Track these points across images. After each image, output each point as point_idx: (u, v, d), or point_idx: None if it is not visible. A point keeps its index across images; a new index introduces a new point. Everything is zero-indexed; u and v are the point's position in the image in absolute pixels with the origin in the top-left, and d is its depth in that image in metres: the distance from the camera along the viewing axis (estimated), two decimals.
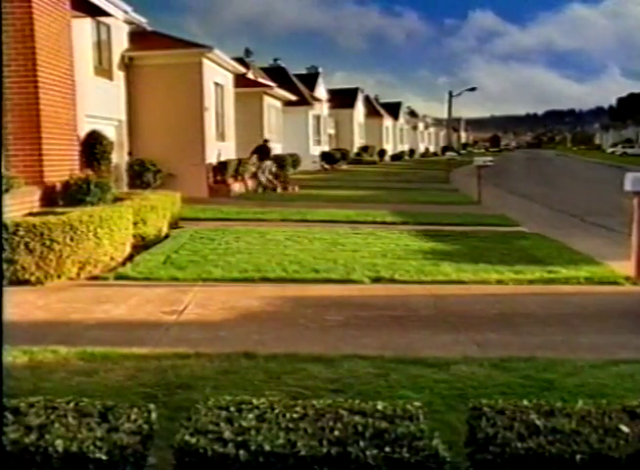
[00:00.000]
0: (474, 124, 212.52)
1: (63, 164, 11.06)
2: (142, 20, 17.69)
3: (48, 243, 7.64)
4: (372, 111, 56.87)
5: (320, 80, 43.36)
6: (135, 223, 9.86)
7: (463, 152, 79.20)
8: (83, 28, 14.33)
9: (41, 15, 10.38)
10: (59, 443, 2.31)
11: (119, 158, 16.56)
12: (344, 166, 38.76)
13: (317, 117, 37.57)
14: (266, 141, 23.77)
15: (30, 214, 9.16)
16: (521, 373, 4.64)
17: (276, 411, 2.59)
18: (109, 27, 16.07)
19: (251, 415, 2.55)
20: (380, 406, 2.65)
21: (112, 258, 8.57)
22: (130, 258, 9.00)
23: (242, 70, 22.77)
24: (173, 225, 12.02)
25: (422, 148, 78.82)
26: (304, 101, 34.45)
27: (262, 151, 22.65)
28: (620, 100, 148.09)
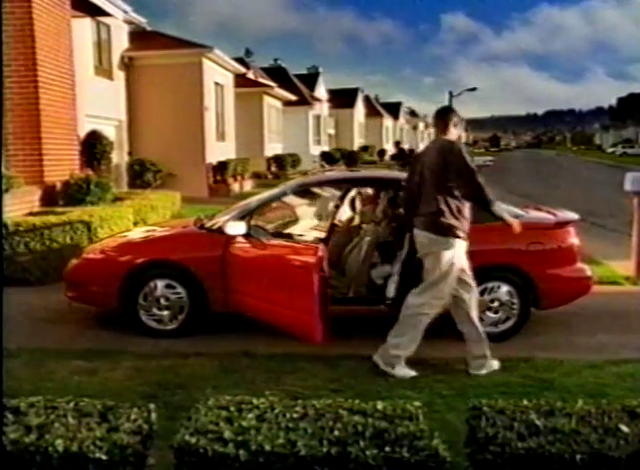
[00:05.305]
0: (474, 124, 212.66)
1: (63, 164, 11.06)
2: (142, 20, 17.68)
3: (48, 243, 7.65)
4: (372, 111, 56.81)
5: (320, 80, 43.33)
6: (135, 223, 9.86)
7: None
8: (83, 28, 14.32)
9: (41, 15, 10.38)
10: (59, 443, 2.31)
11: (119, 158, 16.55)
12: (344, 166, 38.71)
13: (317, 117, 37.54)
14: (398, 143, 26.47)
15: (31, 214, 9.17)
16: (520, 373, 4.65)
17: (276, 411, 2.59)
18: (109, 27, 16.06)
19: (251, 415, 2.55)
20: (380, 406, 2.64)
21: None
22: None
23: (242, 69, 22.75)
24: None
25: (422, 148, 78.71)
26: (304, 101, 34.41)
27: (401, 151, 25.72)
28: (620, 100, 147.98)
